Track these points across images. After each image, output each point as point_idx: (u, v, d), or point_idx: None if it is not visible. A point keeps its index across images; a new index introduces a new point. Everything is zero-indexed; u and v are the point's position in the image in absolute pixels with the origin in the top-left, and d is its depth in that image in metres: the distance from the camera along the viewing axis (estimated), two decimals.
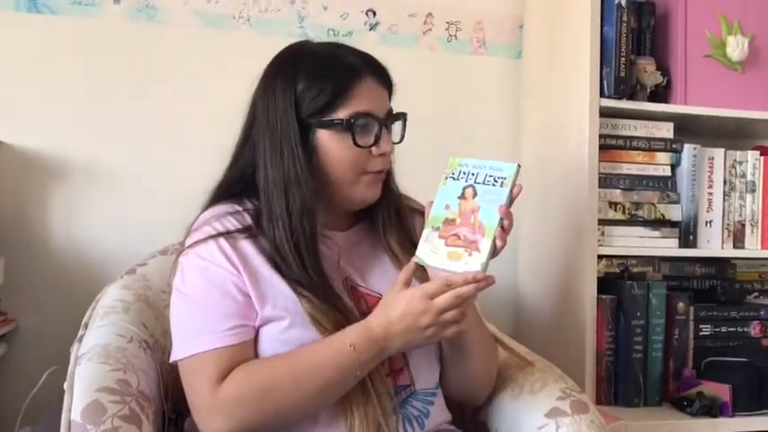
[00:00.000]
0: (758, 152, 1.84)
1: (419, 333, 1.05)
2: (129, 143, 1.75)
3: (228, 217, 1.13)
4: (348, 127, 1.11)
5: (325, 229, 1.17)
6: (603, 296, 1.66)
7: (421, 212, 1.25)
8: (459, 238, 1.07)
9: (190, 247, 1.11)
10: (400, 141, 1.20)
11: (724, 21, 1.77)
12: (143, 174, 1.75)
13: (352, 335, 1.05)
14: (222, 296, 1.08)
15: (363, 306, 1.16)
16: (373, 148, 1.13)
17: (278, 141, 1.11)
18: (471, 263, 1.04)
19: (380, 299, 1.14)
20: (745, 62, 1.77)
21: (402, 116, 1.19)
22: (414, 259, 1.09)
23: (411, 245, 1.17)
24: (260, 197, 1.13)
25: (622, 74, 1.68)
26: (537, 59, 1.90)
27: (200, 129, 1.76)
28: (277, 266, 1.09)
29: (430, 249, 1.08)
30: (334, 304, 1.09)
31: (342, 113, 1.11)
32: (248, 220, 1.13)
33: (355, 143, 1.11)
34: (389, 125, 1.17)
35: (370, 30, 1.91)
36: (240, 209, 1.15)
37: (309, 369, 1.04)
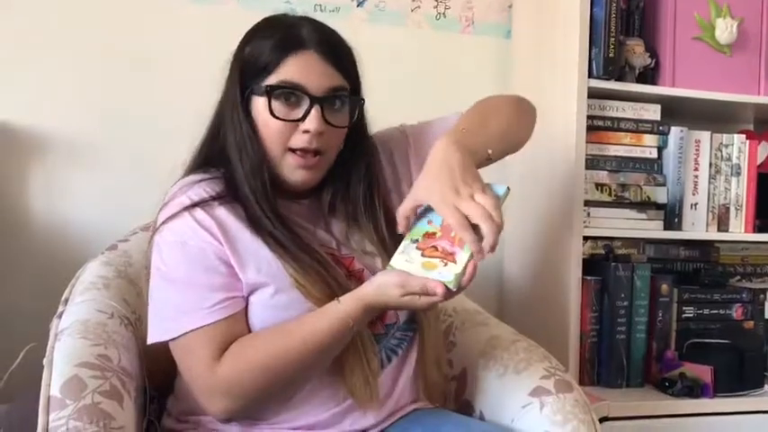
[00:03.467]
0: (744, 135, 1.84)
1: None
2: (111, 119, 1.72)
3: (200, 184, 1.10)
4: (267, 94, 1.07)
5: (289, 200, 1.15)
6: (588, 277, 1.67)
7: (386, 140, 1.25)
8: (437, 250, 1.03)
9: (164, 222, 1.09)
10: (347, 126, 1.14)
11: (713, 3, 1.76)
12: (125, 149, 1.73)
13: (348, 308, 1.03)
14: (205, 271, 1.06)
15: (341, 269, 1.13)
16: (300, 124, 1.08)
17: (229, 106, 1.12)
18: (444, 273, 1.00)
19: (353, 259, 1.15)
20: (733, 45, 1.77)
21: (352, 99, 1.13)
22: (387, 267, 1.05)
23: (377, 209, 1.17)
24: (228, 163, 1.12)
25: (611, 54, 1.67)
26: (526, 40, 1.89)
27: (184, 105, 1.72)
28: (255, 229, 1.08)
29: (405, 259, 1.03)
30: (316, 261, 1.08)
31: (271, 80, 1.08)
32: (220, 186, 1.11)
33: (271, 112, 1.07)
34: (326, 104, 1.09)
35: (358, 6, 1.88)
36: (210, 177, 1.12)
37: (308, 342, 1.03)
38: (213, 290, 1.06)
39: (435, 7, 1.94)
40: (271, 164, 1.11)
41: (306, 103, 1.09)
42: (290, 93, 1.08)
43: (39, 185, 1.68)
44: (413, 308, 1.06)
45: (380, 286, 1.02)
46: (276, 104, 1.08)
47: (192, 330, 1.04)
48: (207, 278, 1.06)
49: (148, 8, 1.74)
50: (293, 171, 1.12)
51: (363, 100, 1.16)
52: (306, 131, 1.09)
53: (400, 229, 1.05)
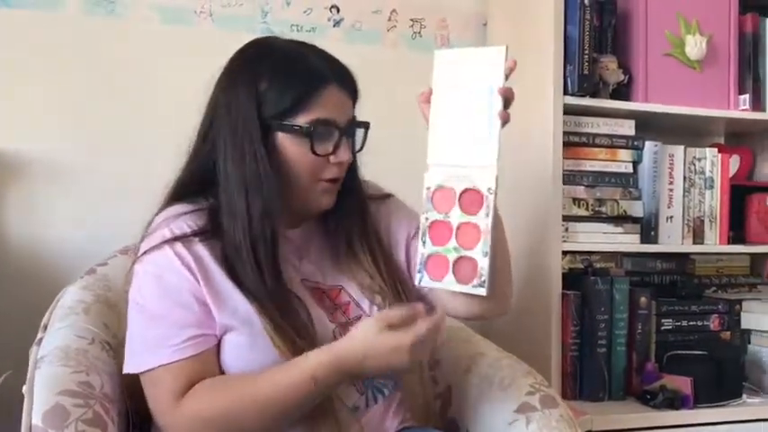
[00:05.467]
0: (716, 149, 1.88)
1: (394, 365, 1.01)
2: (89, 140, 1.71)
3: (184, 218, 1.09)
4: (308, 134, 1.08)
5: (282, 227, 1.15)
6: (568, 292, 1.68)
7: (383, 197, 1.26)
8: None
9: (145, 253, 1.08)
10: (360, 150, 1.18)
11: (682, 20, 1.80)
12: (103, 172, 1.71)
13: (314, 365, 1.00)
14: (178, 306, 1.05)
15: (326, 301, 1.15)
16: (331, 157, 1.11)
17: (239, 140, 1.07)
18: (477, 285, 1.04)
19: (341, 291, 1.15)
20: (703, 61, 1.81)
21: (364, 125, 1.16)
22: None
23: (371, 237, 1.18)
24: (218, 196, 1.10)
25: (585, 72, 1.69)
26: None
27: (161, 126, 1.73)
28: (233, 273, 1.06)
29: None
30: (290, 318, 1.06)
31: (303, 119, 1.08)
32: (204, 221, 1.09)
33: (313, 151, 1.08)
34: (350, 134, 1.13)
35: (334, 26, 1.89)
36: (196, 209, 1.11)
37: (270, 396, 1.01)
38: (184, 326, 1.04)
39: (411, 26, 1.95)
40: (294, 196, 1.11)
41: (335, 136, 1.10)
42: (326, 130, 1.09)
43: (16, 208, 1.66)
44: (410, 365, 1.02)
45: (364, 342, 1.00)
46: (315, 142, 1.09)
47: (159, 366, 1.03)
48: (179, 314, 1.05)
49: (124, 28, 1.73)
50: (321, 198, 1.13)
51: (369, 124, 1.17)
52: (339, 163, 1.11)
53: None
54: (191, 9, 1.78)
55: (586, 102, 1.71)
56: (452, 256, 1.07)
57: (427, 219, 1.09)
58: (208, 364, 1.05)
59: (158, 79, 1.75)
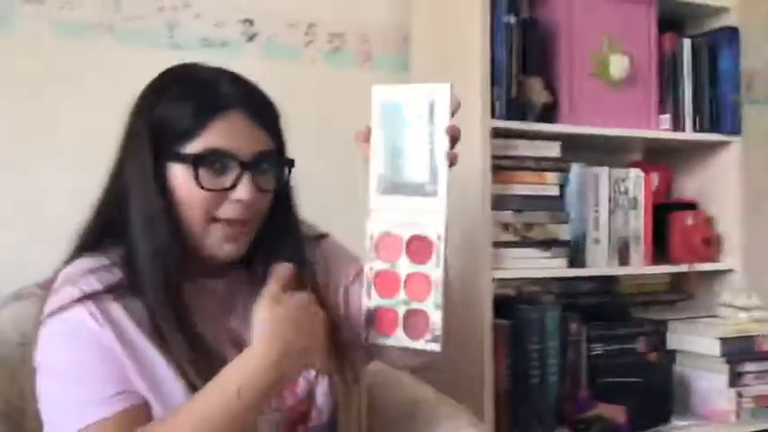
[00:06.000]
0: (639, 169, 1.87)
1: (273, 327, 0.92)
2: None
3: (95, 273, 0.97)
4: (194, 164, 0.96)
5: (203, 278, 1.04)
6: (500, 321, 1.63)
7: (316, 238, 1.17)
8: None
9: (51, 315, 0.95)
10: (277, 188, 1.05)
11: (606, 39, 1.78)
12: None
13: (234, 374, 0.90)
14: (100, 360, 0.93)
15: None
16: (230, 193, 0.98)
17: (136, 172, 0.97)
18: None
19: None
20: (625, 81, 1.80)
21: (285, 162, 1.05)
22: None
23: (305, 286, 1.07)
24: (130, 243, 0.98)
25: (513, 94, 1.65)
26: (425, 74, 1.84)
27: (56, 154, 1.56)
28: (156, 334, 0.95)
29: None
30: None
31: (193, 147, 0.96)
32: (117, 274, 0.97)
33: (199, 183, 0.96)
34: (256, 169, 1.00)
35: (248, 41, 1.77)
36: (108, 262, 0.98)
37: (203, 423, 0.90)
38: (108, 381, 0.93)
39: (330, 42, 1.85)
40: (190, 238, 0.99)
41: (235, 170, 0.98)
42: (218, 161, 0.97)
43: None
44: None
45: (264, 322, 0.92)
46: (203, 173, 0.96)
47: (85, 426, 0.91)
48: (100, 368, 0.93)
49: (12, 44, 1.55)
50: (219, 244, 1.00)
51: (293, 161, 1.06)
52: (237, 201, 0.98)
53: None
54: (87, 23, 1.61)
55: (513, 125, 1.66)
56: (402, 310, 0.99)
57: (372, 269, 1.01)
58: (141, 419, 0.93)
59: (52, 104, 1.57)
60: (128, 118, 1.02)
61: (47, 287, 1.02)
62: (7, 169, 1.54)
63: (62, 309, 0.94)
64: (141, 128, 0.98)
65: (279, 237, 1.08)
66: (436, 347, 0.98)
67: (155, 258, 0.95)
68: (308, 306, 0.94)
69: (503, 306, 1.67)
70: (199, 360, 0.94)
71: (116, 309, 0.95)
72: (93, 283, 0.95)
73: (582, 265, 1.77)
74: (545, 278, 1.81)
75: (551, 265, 1.73)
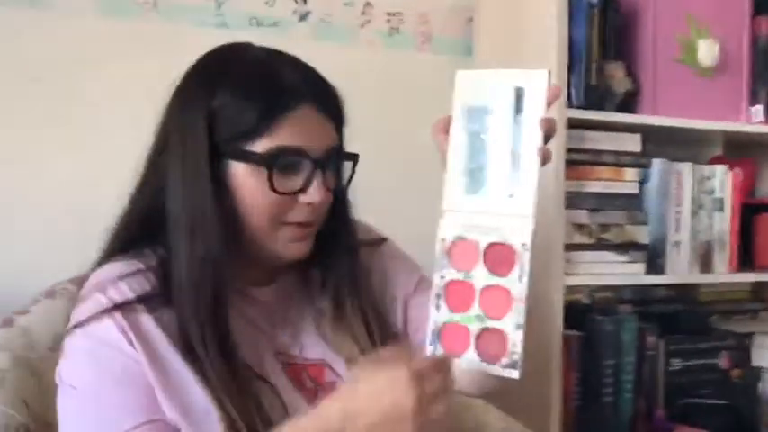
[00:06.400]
0: (725, 166, 1.70)
1: (398, 401, 0.75)
2: (5, 152, 1.41)
3: (126, 280, 0.85)
4: (267, 165, 0.84)
5: (248, 285, 0.92)
6: (570, 333, 1.48)
7: (375, 242, 1.04)
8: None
9: (77, 325, 0.84)
10: (345, 187, 0.95)
11: (693, 22, 1.61)
12: (25, 191, 1.42)
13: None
14: (121, 386, 0.81)
15: (307, 381, 0.92)
16: (300, 195, 0.87)
17: (188, 169, 0.85)
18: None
19: (324, 367, 0.92)
20: (714, 68, 1.62)
21: (351, 157, 0.93)
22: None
23: (363, 296, 0.95)
24: (169, 243, 0.86)
25: (592, 81, 1.49)
26: (490, 59, 1.69)
27: (99, 139, 1.46)
28: (190, 352, 0.82)
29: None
30: (249, 415, 0.82)
31: (262, 145, 0.85)
32: (152, 281, 0.86)
33: (273, 187, 0.85)
34: (328, 166, 0.90)
35: (300, 20, 1.64)
36: (142, 266, 0.87)
37: None
38: (131, 411, 0.81)
39: (388, 21, 1.71)
40: (248, 242, 0.88)
41: (306, 169, 0.87)
42: (292, 162, 0.86)
43: None
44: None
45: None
46: (275, 175, 0.85)
47: None
48: (123, 396, 0.81)
49: (52, 23, 1.44)
50: (287, 246, 0.89)
51: (357, 156, 0.94)
52: (309, 204, 0.87)
53: None
54: (132, 0, 1.50)
55: (591, 115, 1.50)
56: (475, 327, 0.85)
57: (443, 277, 0.87)
58: None
59: (95, 86, 1.46)
60: (174, 106, 0.89)
61: (80, 283, 0.91)
62: (40, 155, 1.43)
63: (89, 320, 0.83)
64: (194, 120, 0.85)
65: (336, 238, 0.96)
66: (514, 374, 0.84)
67: (203, 267, 0.83)
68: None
69: (572, 315, 1.52)
70: (239, 391, 0.82)
71: (148, 322, 0.83)
72: (125, 292, 0.84)
73: (660, 270, 1.61)
74: (617, 284, 1.66)
75: (628, 271, 1.57)
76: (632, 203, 1.59)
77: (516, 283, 0.85)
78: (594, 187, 1.55)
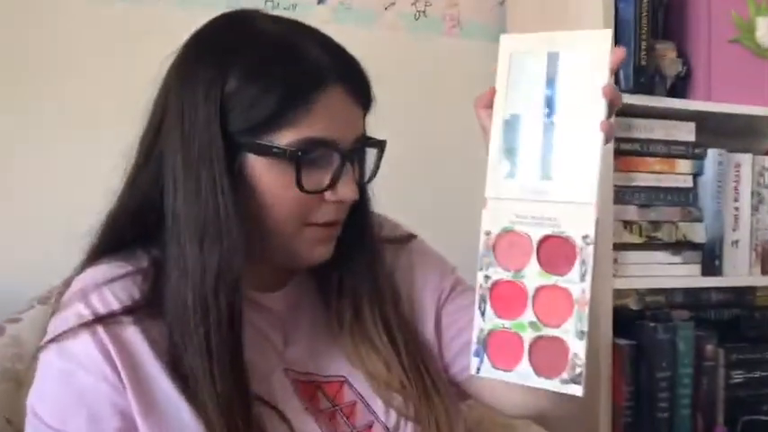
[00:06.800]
0: None
1: None
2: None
3: (113, 285, 0.73)
4: (293, 159, 0.72)
5: (254, 290, 0.79)
6: (620, 341, 1.34)
7: (402, 240, 0.91)
8: None
9: (53, 339, 0.71)
10: (370, 180, 0.82)
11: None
12: (16, 188, 1.31)
13: None
14: (91, 423, 0.70)
15: (322, 401, 0.79)
16: (327, 193, 0.75)
17: (194, 162, 0.72)
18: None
19: (342, 384, 0.80)
20: None
21: (378, 144, 0.81)
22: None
23: (386, 302, 0.83)
24: (165, 247, 0.73)
25: (642, 62, 1.35)
26: None
27: (101, 132, 1.34)
28: (179, 372, 0.70)
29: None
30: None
31: (287, 137, 0.72)
32: (142, 288, 0.73)
33: (300, 185, 0.73)
34: (357, 158, 0.79)
35: (319, 2, 1.52)
36: (131, 268, 0.75)
37: None
38: None
39: (414, 4, 1.59)
40: (272, 246, 0.76)
41: (335, 162, 0.75)
42: (321, 155, 0.74)
43: None
44: None
45: None
46: (304, 173, 0.73)
47: None
48: (94, 429, 0.70)
49: (52, 7, 1.33)
50: (311, 249, 0.78)
51: (384, 144, 0.81)
52: (339, 201, 0.76)
53: None
54: None
55: (641, 100, 1.36)
56: (529, 335, 0.72)
57: (488, 277, 0.74)
58: None
59: (97, 75, 1.35)
60: (175, 88, 0.75)
61: (64, 288, 0.79)
62: (34, 144, 1.33)
63: (65, 335, 0.71)
64: (202, 105, 0.72)
65: (355, 236, 0.83)
66: (578, 390, 0.70)
67: (217, 278, 0.70)
68: None
69: (621, 321, 1.37)
70: (238, 418, 0.69)
71: (134, 336, 0.71)
72: (109, 301, 0.72)
73: (718, 272, 1.47)
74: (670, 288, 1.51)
75: (681, 273, 1.44)
76: (686, 198, 1.46)
77: (577, 282, 0.72)
78: (644, 181, 1.42)
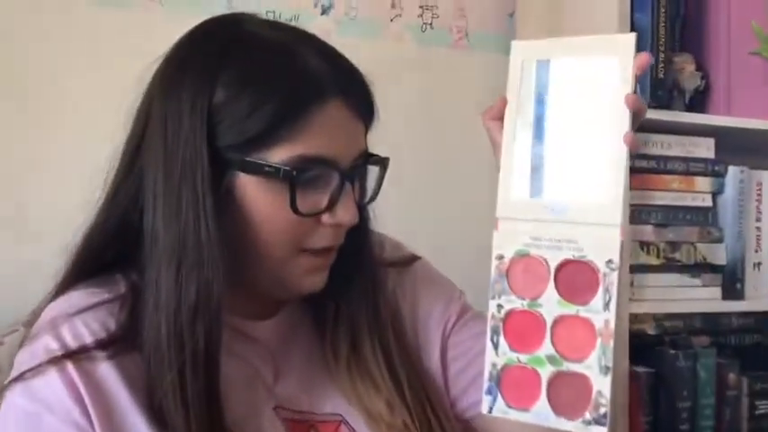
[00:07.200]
0: None
1: None
2: None
3: (84, 316, 0.66)
4: (286, 179, 0.66)
5: (241, 318, 0.73)
6: (638, 369, 1.27)
7: (404, 262, 0.84)
8: None
9: (19, 377, 0.65)
10: (371, 201, 0.76)
11: None
12: (6, 200, 1.26)
13: None
14: None
15: None
16: (324, 215, 0.69)
17: (176, 179, 0.66)
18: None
19: (340, 425, 0.73)
20: None
21: (380, 161, 0.75)
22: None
23: (386, 333, 0.76)
24: (144, 271, 0.67)
25: (660, 75, 1.28)
26: None
27: (94, 143, 1.27)
28: (158, 413, 0.64)
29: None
30: None
31: (280, 155, 0.67)
32: (118, 317, 0.67)
33: (294, 208, 0.67)
34: (357, 177, 0.73)
35: (323, 13, 1.47)
36: (108, 296, 0.68)
37: None
38: None
39: (420, 16, 1.53)
40: (261, 273, 0.70)
41: (333, 182, 0.68)
42: (319, 174, 0.68)
43: None
44: None
45: None
46: (300, 194, 0.67)
47: None
48: None
49: (44, 17, 1.28)
50: (303, 278, 0.71)
51: (387, 161, 0.75)
52: (337, 225, 0.70)
53: None
54: None
55: (659, 115, 1.30)
56: (547, 371, 0.66)
57: (500, 306, 0.67)
58: None
59: (90, 83, 1.30)
60: (158, 97, 0.69)
61: (34, 318, 0.72)
62: (42, 149, 1.28)
63: (32, 372, 0.64)
64: (190, 117, 0.66)
65: (353, 259, 0.76)
66: (602, 431, 0.64)
67: (194, 309, 0.64)
68: None
69: (638, 348, 1.30)
70: None
71: (107, 372, 0.64)
72: (80, 333, 0.65)
73: (739, 296, 1.40)
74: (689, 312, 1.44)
75: (701, 296, 1.37)
76: (705, 218, 1.40)
77: (601, 312, 0.65)
78: (661, 199, 1.36)
